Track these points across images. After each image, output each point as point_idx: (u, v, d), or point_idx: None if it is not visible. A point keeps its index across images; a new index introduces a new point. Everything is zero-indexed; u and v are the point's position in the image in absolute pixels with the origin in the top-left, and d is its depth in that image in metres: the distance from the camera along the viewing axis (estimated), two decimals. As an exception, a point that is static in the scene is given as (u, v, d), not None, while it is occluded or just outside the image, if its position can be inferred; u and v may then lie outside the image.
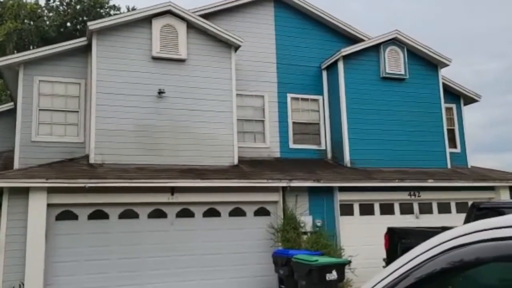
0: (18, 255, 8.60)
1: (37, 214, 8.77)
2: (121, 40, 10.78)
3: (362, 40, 13.23)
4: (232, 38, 11.50)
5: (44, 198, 8.87)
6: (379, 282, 1.54)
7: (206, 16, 12.04)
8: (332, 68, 12.99)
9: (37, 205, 8.81)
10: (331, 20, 13.45)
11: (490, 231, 1.30)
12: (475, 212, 8.08)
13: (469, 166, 14.00)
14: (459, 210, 11.91)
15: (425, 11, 55.28)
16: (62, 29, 25.22)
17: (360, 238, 10.84)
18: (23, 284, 8.41)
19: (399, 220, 11.17)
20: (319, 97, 13.25)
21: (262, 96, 12.74)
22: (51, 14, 25.96)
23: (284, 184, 10.44)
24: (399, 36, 12.84)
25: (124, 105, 10.51)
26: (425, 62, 13.27)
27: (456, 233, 1.35)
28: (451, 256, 1.34)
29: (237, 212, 10.55)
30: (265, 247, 10.25)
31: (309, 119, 13.15)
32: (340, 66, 12.57)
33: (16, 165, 9.94)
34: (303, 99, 13.13)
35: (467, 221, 8.02)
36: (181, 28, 11.18)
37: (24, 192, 8.84)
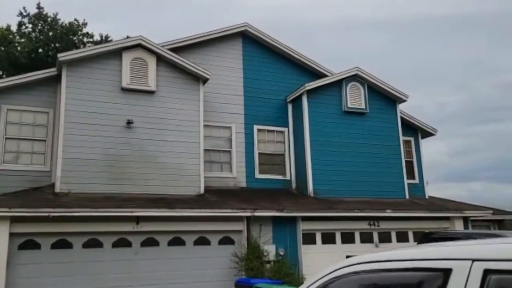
0: (-23, 285, 8.51)
1: (-1, 243, 8.74)
2: (91, 71, 11.03)
3: (326, 75, 13.91)
4: (200, 71, 11.93)
5: (7, 227, 8.86)
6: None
7: (176, 49, 12.47)
8: (296, 101, 13.57)
9: (-1, 234, 8.78)
10: (296, 56, 14.12)
11: (361, 264, 1.67)
12: (428, 241, 8.58)
13: (426, 197, 14.66)
14: (416, 239, 12.41)
15: (391, 44, 57.63)
16: (33, 55, 25.21)
17: (322, 266, 11.13)
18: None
19: (359, 249, 11.56)
20: (285, 129, 13.76)
21: (230, 127, 13.15)
22: (22, 40, 25.94)
23: (248, 214, 10.72)
24: (359, 73, 13.58)
25: (92, 134, 10.68)
26: (384, 97, 14.03)
27: (333, 268, 1.72)
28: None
29: (202, 241, 10.72)
30: (229, 276, 10.41)
31: (274, 150, 13.60)
32: (304, 100, 13.16)
33: (-20, 194, 9.89)
34: (269, 131, 13.60)
35: (418, 250, 8.48)
36: (151, 61, 11.54)
37: (-14, 221, 8.80)
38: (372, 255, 1.70)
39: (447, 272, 1.25)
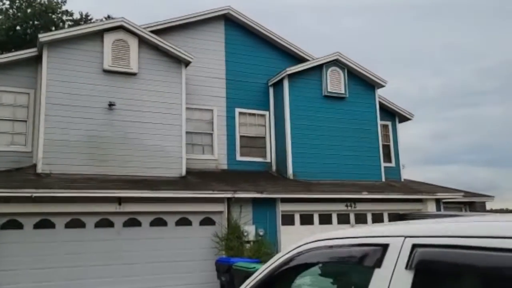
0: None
1: (-19, 223, 8.83)
2: (72, 53, 11.00)
3: (307, 60, 14.12)
4: (183, 54, 11.99)
5: (-11, 208, 8.96)
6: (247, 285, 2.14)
7: (159, 32, 12.48)
8: (278, 85, 13.77)
9: (-18, 215, 8.87)
10: (278, 40, 14.26)
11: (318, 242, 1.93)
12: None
13: (402, 180, 15.16)
14: (391, 221, 12.90)
15: (375, 28, 58.04)
16: (11, 33, 24.70)
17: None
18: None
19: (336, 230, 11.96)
20: (266, 112, 13.98)
21: (211, 110, 13.30)
22: (0, 16, 25.34)
23: (229, 195, 10.99)
24: (340, 58, 13.83)
25: (74, 116, 10.73)
26: (363, 82, 14.33)
27: (297, 244, 1.98)
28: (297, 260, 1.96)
29: (184, 221, 10.97)
30: (209, 255, 10.72)
31: (255, 133, 13.84)
32: (285, 84, 13.37)
33: (-40, 174, 9.90)
34: (250, 114, 13.81)
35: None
36: (133, 43, 11.55)
37: (-32, 201, 8.88)
38: (330, 233, 1.96)
39: (385, 247, 1.56)
